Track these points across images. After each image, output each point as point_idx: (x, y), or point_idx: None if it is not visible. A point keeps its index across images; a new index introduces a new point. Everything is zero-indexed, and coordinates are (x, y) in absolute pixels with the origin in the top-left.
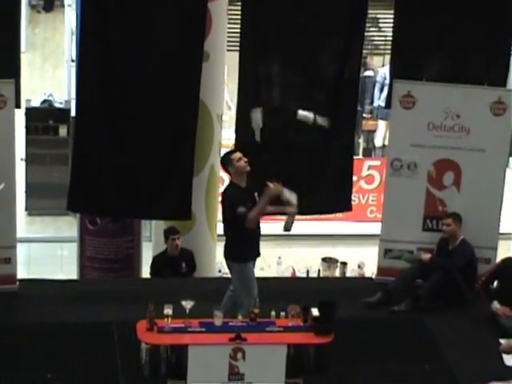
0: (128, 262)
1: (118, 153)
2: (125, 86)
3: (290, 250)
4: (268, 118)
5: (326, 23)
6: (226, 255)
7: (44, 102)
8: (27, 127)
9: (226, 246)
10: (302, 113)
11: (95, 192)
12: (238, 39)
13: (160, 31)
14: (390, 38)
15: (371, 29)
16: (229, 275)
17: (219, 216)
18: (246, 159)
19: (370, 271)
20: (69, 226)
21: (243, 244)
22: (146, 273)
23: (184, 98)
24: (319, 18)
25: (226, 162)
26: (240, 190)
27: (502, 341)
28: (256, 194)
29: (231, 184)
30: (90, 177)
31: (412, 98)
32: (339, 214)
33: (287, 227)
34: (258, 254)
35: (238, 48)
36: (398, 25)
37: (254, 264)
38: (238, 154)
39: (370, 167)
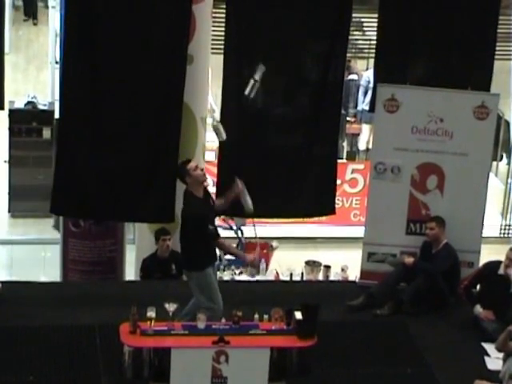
0: (111, 265)
1: (101, 155)
2: (109, 89)
3: (274, 253)
4: (251, 120)
5: (310, 26)
6: (183, 265)
7: (28, 103)
8: (11, 129)
9: (181, 256)
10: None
11: (79, 194)
12: (223, 42)
13: (144, 34)
14: (374, 42)
15: (355, 32)
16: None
17: None
18: (202, 168)
19: (354, 274)
20: (52, 228)
21: (199, 252)
22: (129, 275)
23: (168, 100)
24: (304, 21)
25: (183, 172)
26: (197, 200)
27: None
28: (212, 203)
29: (190, 194)
30: (74, 179)
31: (396, 101)
32: (323, 218)
33: (248, 208)
34: (215, 259)
35: (222, 51)
36: (382, 28)
37: (214, 270)
38: (193, 164)
39: (353, 171)
